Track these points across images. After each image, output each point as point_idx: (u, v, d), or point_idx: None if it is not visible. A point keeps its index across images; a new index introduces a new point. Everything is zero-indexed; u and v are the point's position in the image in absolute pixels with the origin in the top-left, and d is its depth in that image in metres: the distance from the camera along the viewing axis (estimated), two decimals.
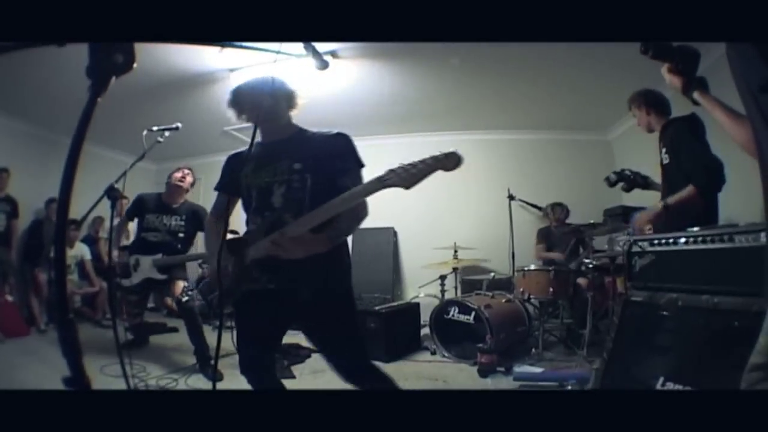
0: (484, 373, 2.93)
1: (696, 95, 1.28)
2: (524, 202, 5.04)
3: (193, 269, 5.52)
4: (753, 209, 2.06)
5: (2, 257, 4.48)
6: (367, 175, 1.31)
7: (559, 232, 4.47)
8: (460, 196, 5.60)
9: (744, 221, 1.64)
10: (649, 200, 2.57)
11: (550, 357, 3.27)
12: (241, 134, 5.22)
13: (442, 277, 4.29)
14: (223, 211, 1.72)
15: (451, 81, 4.32)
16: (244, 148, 1.75)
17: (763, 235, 1.45)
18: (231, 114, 1.63)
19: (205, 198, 3.40)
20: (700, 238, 1.68)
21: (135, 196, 3.49)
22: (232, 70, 3.89)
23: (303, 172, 1.49)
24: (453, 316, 3.41)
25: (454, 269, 4.38)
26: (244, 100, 1.59)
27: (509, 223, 4.64)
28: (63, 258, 0.68)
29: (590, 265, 3.36)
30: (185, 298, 3.18)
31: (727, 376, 1.10)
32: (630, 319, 1.95)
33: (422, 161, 1.14)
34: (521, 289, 3.56)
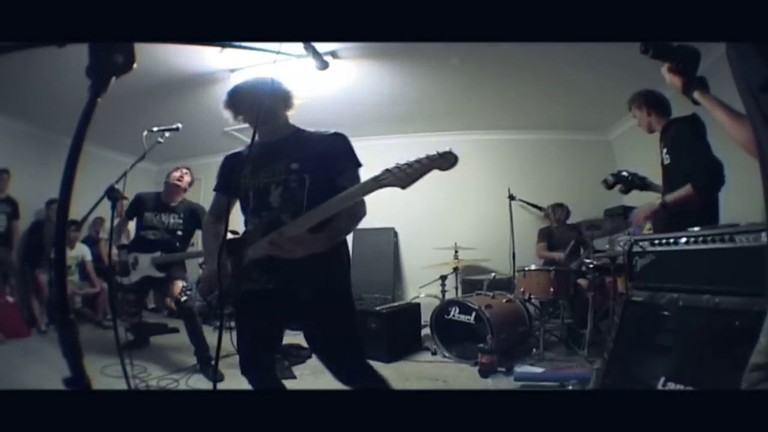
0: (484, 373, 2.93)
1: (696, 95, 1.28)
2: (525, 202, 5.03)
3: (194, 269, 5.53)
4: (754, 209, 2.06)
5: (3, 258, 4.48)
6: (366, 174, 1.31)
7: (559, 231, 4.47)
8: (461, 196, 5.60)
9: (745, 221, 1.64)
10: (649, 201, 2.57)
11: (550, 357, 3.27)
12: (242, 135, 5.22)
13: (443, 278, 4.29)
14: (221, 211, 1.72)
15: (451, 81, 4.31)
16: (240, 148, 1.75)
17: (763, 234, 1.45)
18: (228, 115, 1.64)
19: (206, 198, 3.41)
20: (701, 238, 1.68)
21: (134, 195, 3.49)
22: (232, 71, 3.90)
23: (300, 172, 1.49)
24: (454, 316, 3.41)
25: (455, 269, 4.38)
26: (241, 100, 1.60)
27: (510, 223, 4.63)
28: (63, 259, 0.68)
29: (591, 266, 3.36)
30: (184, 298, 3.19)
31: (727, 376, 1.10)
32: (631, 319, 1.95)
33: (418, 161, 1.14)
34: (522, 289, 3.55)
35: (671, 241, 1.82)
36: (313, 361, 3.22)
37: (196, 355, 3.07)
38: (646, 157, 2.95)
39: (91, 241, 5.35)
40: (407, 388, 2.73)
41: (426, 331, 3.80)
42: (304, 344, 3.22)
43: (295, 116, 1.67)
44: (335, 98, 4.53)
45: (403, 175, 1.15)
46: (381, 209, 4.86)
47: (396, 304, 4.14)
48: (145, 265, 3.31)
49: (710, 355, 1.53)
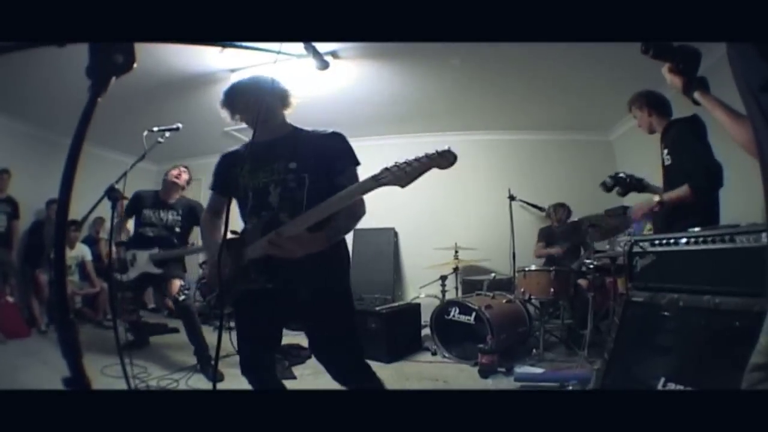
0: (484, 373, 2.93)
1: (697, 95, 1.28)
2: (525, 202, 5.03)
3: (193, 269, 5.53)
4: (754, 209, 2.06)
5: (3, 258, 4.48)
6: (365, 174, 1.31)
7: (559, 231, 4.47)
8: (461, 196, 5.60)
9: (745, 222, 1.64)
10: None
11: (550, 357, 3.26)
12: (242, 135, 5.22)
13: (443, 278, 4.29)
14: (218, 209, 1.72)
15: (451, 81, 4.31)
16: (237, 146, 1.74)
17: (764, 235, 1.45)
18: (225, 114, 1.64)
19: (206, 198, 3.39)
20: (701, 239, 1.68)
21: (132, 193, 3.50)
22: (232, 71, 3.90)
23: (299, 172, 1.49)
24: (454, 316, 3.41)
25: (455, 269, 4.38)
26: (238, 99, 1.59)
27: (510, 223, 4.63)
28: (62, 258, 0.68)
29: (591, 266, 3.36)
30: (182, 297, 3.20)
31: (728, 377, 1.10)
32: (631, 319, 1.95)
33: (417, 159, 1.14)
34: (522, 290, 3.56)
35: (671, 241, 1.82)
36: (313, 361, 3.21)
37: (195, 354, 3.07)
38: (647, 157, 2.94)
39: (92, 241, 5.35)
40: (407, 388, 2.73)
41: (426, 331, 3.80)
42: (304, 344, 3.25)
43: (295, 116, 1.67)
44: (335, 98, 4.53)
45: (402, 174, 1.15)
46: (381, 209, 4.87)
47: (396, 304, 4.14)
48: (143, 261, 3.32)
49: (710, 356, 1.53)
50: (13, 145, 4.90)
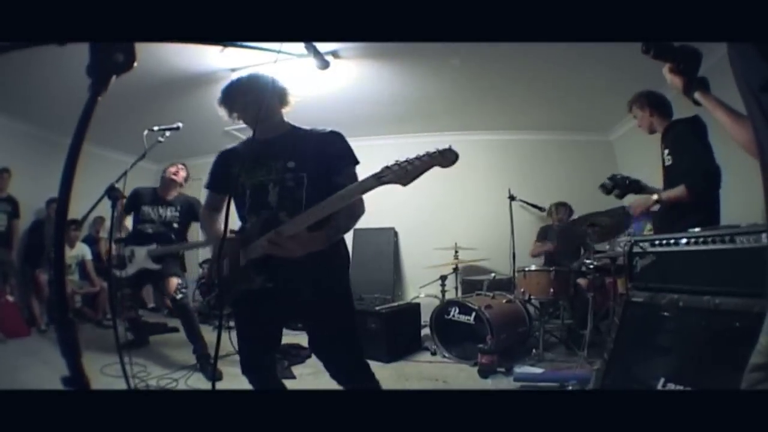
0: (484, 373, 2.93)
1: (697, 95, 1.28)
2: (525, 202, 5.03)
3: (193, 268, 5.53)
4: (754, 210, 2.06)
5: (3, 258, 4.48)
6: (365, 174, 1.30)
7: (558, 230, 4.46)
8: (461, 196, 5.60)
9: (745, 222, 1.64)
10: None
11: (550, 357, 3.26)
12: (242, 134, 5.21)
13: (443, 278, 4.29)
14: (216, 206, 1.72)
15: (451, 81, 4.31)
16: (234, 144, 1.73)
17: (764, 236, 1.45)
18: (222, 112, 1.63)
19: (204, 197, 3.41)
20: (701, 239, 1.68)
21: (131, 191, 3.51)
22: (233, 70, 3.90)
23: (297, 171, 1.49)
24: (453, 316, 3.41)
25: (455, 269, 4.38)
26: (235, 98, 1.59)
27: (510, 223, 4.63)
28: (62, 257, 0.68)
29: (591, 266, 3.36)
30: (179, 296, 3.21)
31: (727, 377, 1.10)
32: (631, 319, 1.95)
33: (418, 158, 1.14)
34: (522, 290, 3.56)
35: (672, 241, 1.82)
36: (313, 361, 3.22)
37: (195, 353, 3.07)
38: (647, 158, 2.95)
39: (92, 241, 5.35)
40: (407, 388, 2.73)
41: (426, 331, 3.80)
42: (304, 344, 3.25)
43: (295, 115, 1.66)
44: (336, 98, 4.53)
45: (403, 173, 1.14)
46: (381, 209, 4.87)
47: (396, 304, 4.13)
48: (141, 257, 3.33)
49: (710, 356, 1.53)
50: (13, 145, 4.89)
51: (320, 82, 4.06)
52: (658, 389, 1.64)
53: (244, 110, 1.58)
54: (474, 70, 4.06)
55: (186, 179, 3.61)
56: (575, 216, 4.43)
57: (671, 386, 1.62)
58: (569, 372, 2.75)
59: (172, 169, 3.52)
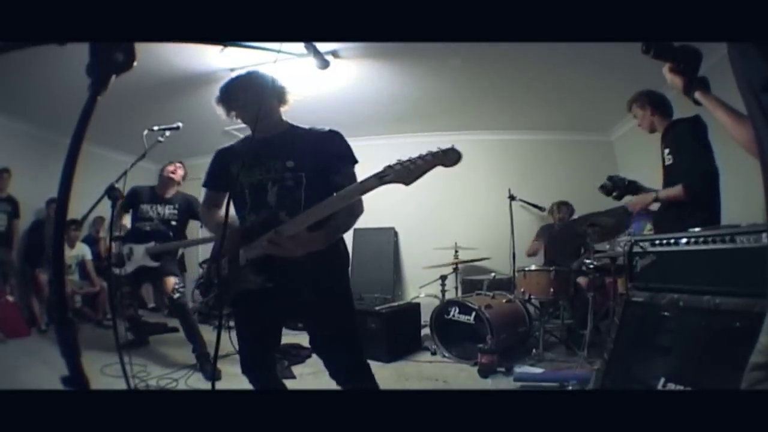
0: (484, 373, 2.93)
1: (697, 95, 1.28)
2: (525, 202, 5.03)
3: (193, 268, 5.53)
4: (755, 210, 2.06)
5: (3, 257, 4.48)
6: (365, 173, 1.30)
7: (558, 229, 4.46)
8: (461, 196, 5.60)
9: (745, 222, 1.63)
10: None
11: (550, 357, 3.26)
12: (242, 134, 5.19)
13: (443, 277, 4.29)
14: (215, 203, 1.71)
15: (452, 81, 4.31)
16: (232, 142, 1.72)
17: (764, 235, 1.45)
18: (220, 111, 1.62)
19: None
20: (701, 239, 1.68)
21: (129, 189, 3.51)
22: (233, 70, 3.90)
23: (296, 170, 1.48)
24: (453, 316, 3.41)
25: (455, 269, 4.38)
26: (234, 96, 1.58)
27: (510, 223, 4.63)
28: (61, 257, 0.68)
29: (591, 266, 3.35)
30: (177, 295, 3.22)
31: (728, 377, 1.09)
32: (631, 319, 1.95)
33: (420, 157, 1.13)
34: (522, 290, 3.55)
35: (672, 241, 1.82)
36: (313, 360, 3.22)
37: (194, 352, 3.07)
38: (647, 158, 2.94)
39: (92, 240, 5.35)
40: (407, 388, 2.73)
41: (426, 331, 3.80)
42: (304, 344, 3.25)
43: (295, 114, 1.65)
44: (336, 97, 4.53)
45: (406, 172, 1.13)
46: (381, 209, 4.87)
47: (396, 304, 4.13)
48: (139, 255, 3.34)
49: (710, 356, 1.53)
50: (13, 145, 4.89)
51: (320, 81, 4.06)
52: (658, 389, 1.64)
53: (243, 109, 1.57)
54: (474, 70, 4.05)
55: (184, 177, 3.62)
56: (576, 215, 4.45)
57: (671, 386, 1.62)
58: (569, 372, 2.75)
59: (170, 168, 3.54)
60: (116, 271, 3.26)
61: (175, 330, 4.40)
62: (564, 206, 4.62)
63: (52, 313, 4.25)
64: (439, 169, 1.15)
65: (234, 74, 1.62)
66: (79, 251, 4.98)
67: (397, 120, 5.37)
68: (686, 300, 1.69)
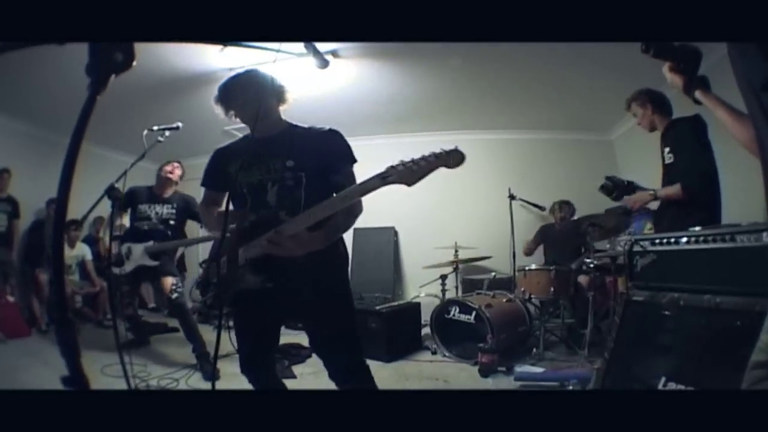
0: (485, 372, 2.93)
1: (698, 94, 1.28)
2: (525, 201, 5.03)
3: (194, 268, 5.53)
4: (755, 209, 2.06)
5: (3, 258, 4.48)
6: (365, 173, 1.29)
7: (559, 230, 4.46)
8: (461, 195, 5.60)
9: (746, 221, 1.63)
10: None
11: (551, 357, 3.26)
12: (241, 134, 5.20)
13: (443, 277, 4.29)
14: (214, 202, 1.71)
15: (451, 81, 4.31)
16: (230, 141, 1.72)
17: (765, 234, 1.45)
18: (219, 110, 1.62)
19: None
20: (701, 238, 1.68)
21: (126, 189, 3.52)
22: (232, 70, 3.89)
23: (296, 170, 1.47)
24: (454, 315, 3.41)
25: (455, 269, 4.38)
26: (232, 96, 1.57)
27: (510, 222, 4.63)
28: (60, 257, 0.68)
29: (591, 265, 3.36)
30: (175, 296, 3.22)
31: (728, 376, 1.09)
32: (631, 318, 1.94)
33: (424, 158, 1.12)
34: (522, 289, 3.55)
35: (672, 240, 1.81)
36: (314, 361, 3.22)
37: (194, 352, 3.07)
38: (647, 157, 2.94)
39: (92, 241, 5.35)
40: (407, 388, 2.74)
41: (426, 330, 3.80)
42: (305, 343, 3.25)
43: (294, 114, 1.65)
44: (335, 97, 4.52)
45: (409, 173, 1.12)
46: (381, 208, 4.87)
47: (396, 303, 4.13)
48: (138, 254, 3.34)
49: (711, 355, 1.53)
50: (13, 145, 4.89)
51: (320, 81, 4.06)
52: (658, 389, 1.64)
53: (242, 108, 1.56)
54: (474, 70, 4.05)
55: (181, 177, 3.62)
56: (577, 214, 4.45)
57: (672, 385, 1.62)
58: (570, 371, 2.75)
59: (168, 168, 3.54)
60: (115, 271, 3.27)
61: (175, 330, 4.39)
62: (565, 205, 4.60)
63: (52, 313, 4.25)
64: (439, 169, 1.14)
65: (233, 73, 1.61)
66: (79, 251, 4.97)
67: (397, 120, 5.37)
68: (687, 299, 1.69)
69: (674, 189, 2.22)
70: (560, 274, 3.40)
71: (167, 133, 2.68)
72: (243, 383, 1.63)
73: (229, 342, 1.76)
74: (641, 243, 1.96)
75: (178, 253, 4.08)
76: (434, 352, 3.50)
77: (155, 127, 2.66)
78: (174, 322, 4.49)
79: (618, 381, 1.85)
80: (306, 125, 1.60)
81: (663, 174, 2.39)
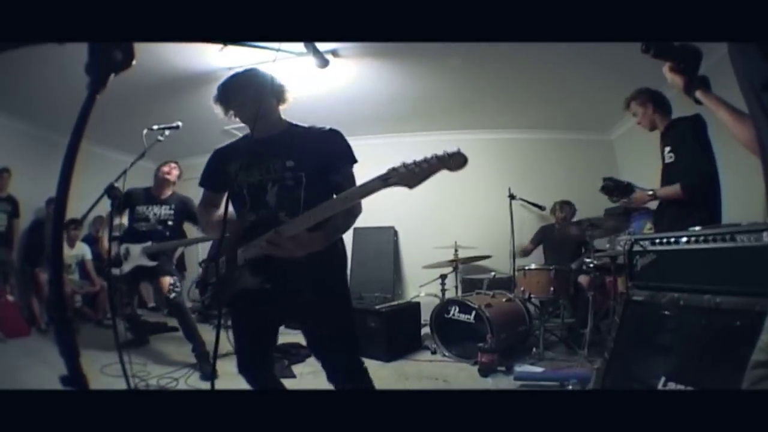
0: (484, 372, 2.93)
1: (698, 94, 1.28)
2: (525, 201, 5.03)
3: (193, 268, 5.52)
4: (756, 208, 2.06)
5: (3, 257, 4.48)
6: (365, 174, 1.28)
7: (559, 230, 4.46)
8: (461, 195, 5.59)
9: (746, 220, 1.63)
10: None
11: (550, 356, 3.26)
12: (241, 133, 5.20)
13: (443, 276, 4.28)
14: (213, 203, 1.70)
15: (452, 81, 4.31)
16: (229, 141, 1.71)
17: (765, 234, 1.45)
18: (218, 110, 1.61)
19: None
20: (702, 238, 1.68)
21: (124, 191, 3.51)
22: (232, 69, 3.89)
23: (296, 170, 1.47)
24: (453, 315, 3.41)
25: (455, 268, 4.38)
26: (232, 94, 1.56)
27: (510, 222, 4.63)
28: (59, 257, 0.68)
29: (591, 265, 3.36)
30: (173, 295, 3.23)
31: (728, 376, 1.09)
32: (631, 318, 1.94)
33: (426, 160, 1.10)
34: (522, 289, 3.56)
35: (672, 240, 1.81)
36: (314, 360, 3.19)
37: (193, 352, 3.07)
38: (647, 157, 2.94)
39: (92, 240, 5.34)
40: (407, 388, 2.74)
41: (426, 330, 3.79)
42: (304, 343, 3.25)
43: (294, 113, 1.64)
44: (335, 96, 4.52)
45: (411, 175, 1.12)
46: (381, 208, 4.87)
47: (396, 303, 4.13)
48: (136, 254, 3.34)
49: (711, 355, 1.53)
50: (13, 145, 4.88)
51: (320, 80, 4.06)
52: (658, 389, 1.64)
53: (242, 107, 1.55)
54: (474, 70, 4.05)
55: (179, 177, 3.62)
56: (577, 214, 4.45)
57: (672, 385, 1.62)
58: (569, 371, 2.75)
59: (165, 168, 3.54)
60: (114, 271, 3.27)
61: (175, 329, 4.39)
62: (566, 206, 4.60)
63: (52, 312, 4.25)
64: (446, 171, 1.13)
65: (232, 73, 1.61)
66: (79, 251, 4.97)
67: (397, 119, 5.37)
68: (687, 299, 1.69)
69: (674, 189, 2.22)
70: (560, 273, 3.40)
71: (167, 132, 2.67)
72: (243, 383, 1.63)
73: (228, 342, 1.77)
74: (641, 243, 1.96)
75: (178, 253, 4.08)
76: (434, 352, 3.50)
77: (155, 127, 2.65)
78: (174, 322, 4.49)
79: (618, 381, 1.85)
80: (306, 125, 1.59)
81: (662, 173, 2.40)
